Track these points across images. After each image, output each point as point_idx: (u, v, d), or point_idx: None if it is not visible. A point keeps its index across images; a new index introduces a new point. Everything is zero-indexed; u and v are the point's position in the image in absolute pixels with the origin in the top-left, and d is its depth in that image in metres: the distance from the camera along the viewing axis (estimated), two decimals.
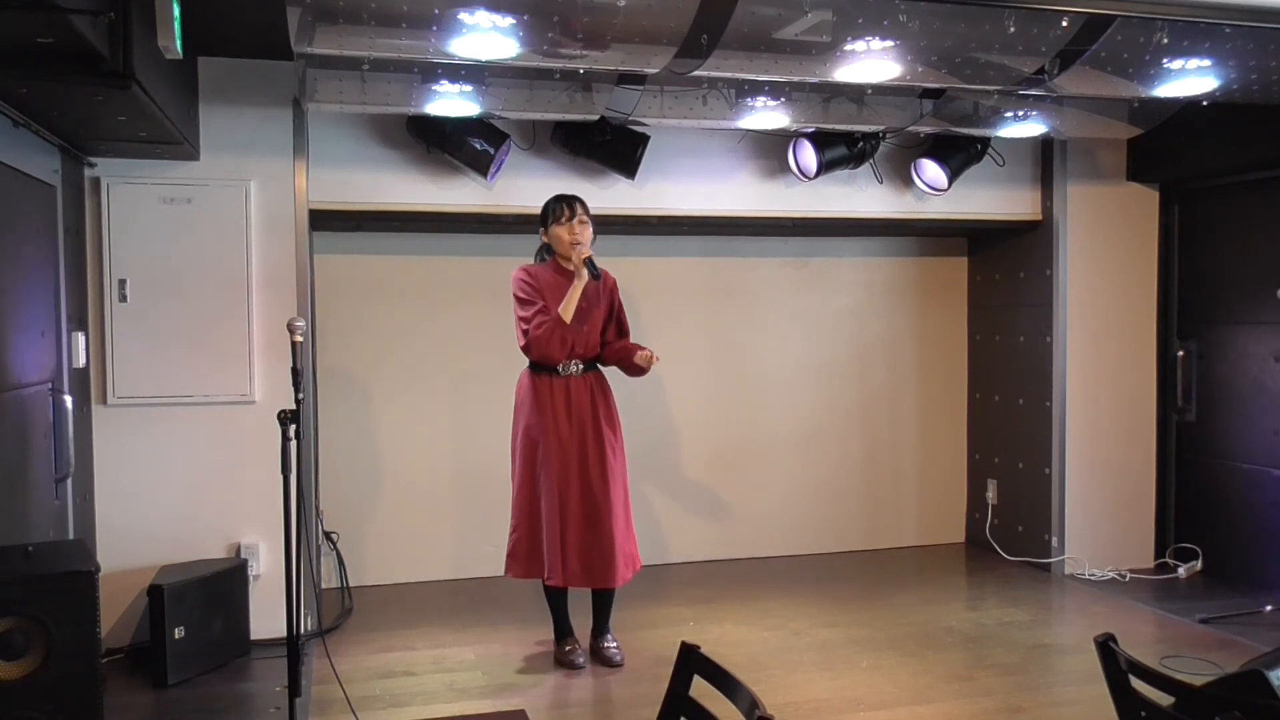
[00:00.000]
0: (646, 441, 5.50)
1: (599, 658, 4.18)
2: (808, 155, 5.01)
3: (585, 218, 4.12)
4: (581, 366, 4.14)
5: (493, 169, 4.61)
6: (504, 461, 4.30)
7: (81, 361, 4.09)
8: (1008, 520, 5.80)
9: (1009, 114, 4.72)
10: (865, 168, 5.19)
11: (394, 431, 5.30)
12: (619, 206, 4.89)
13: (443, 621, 4.69)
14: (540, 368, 4.13)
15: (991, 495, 5.89)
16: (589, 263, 4.02)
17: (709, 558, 5.72)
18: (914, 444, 6.08)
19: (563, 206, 4.11)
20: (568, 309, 4.04)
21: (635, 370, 4.18)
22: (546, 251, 4.21)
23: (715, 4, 3.14)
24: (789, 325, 5.85)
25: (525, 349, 4.10)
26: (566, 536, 4.05)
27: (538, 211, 4.23)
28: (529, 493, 4.14)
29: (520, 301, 4.11)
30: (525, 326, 4.07)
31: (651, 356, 4.09)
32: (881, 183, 5.27)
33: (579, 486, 4.06)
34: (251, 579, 4.33)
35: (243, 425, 4.32)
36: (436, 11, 3.11)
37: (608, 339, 4.24)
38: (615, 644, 4.22)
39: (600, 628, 4.25)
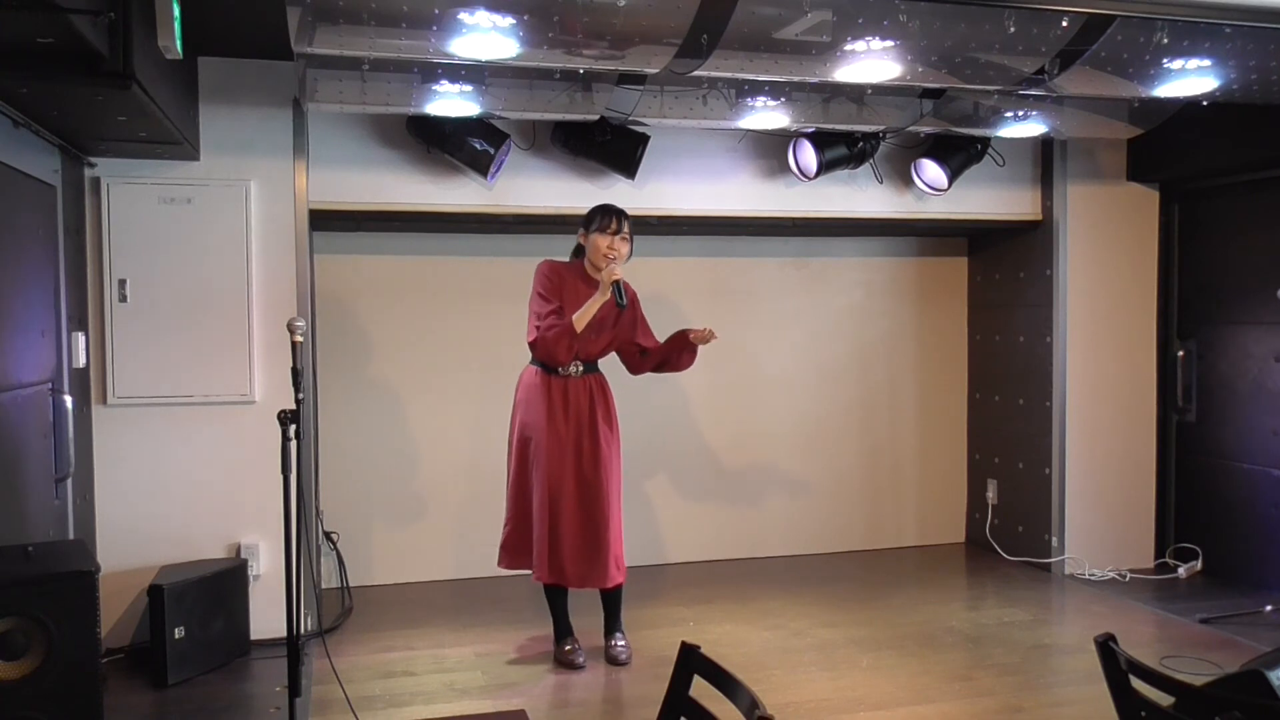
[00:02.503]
0: (647, 441, 5.50)
1: (607, 655, 4.19)
2: (808, 155, 5.01)
3: (627, 235, 4.11)
4: (582, 368, 4.14)
5: (493, 169, 4.61)
6: (505, 461, 4.29)
7: (81, 361, 4.09)
8: (1008, 520, 5.80)
9: (1009, 114, 4.71)
10: (865, 168, 5.19)
11: (394, 431, 5.29)
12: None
13: (443, 621, 4.69)
14: (542, 365, 4.13)
15: (991, 495, 5.88)
16: (616, 287, 3.96)
17: (709, 558, 5.73)
18: (914, 444, 6.08)
19: (611, 218, 4.09)
20: (582, 319, 4.00)
21: (688, 358, 4.18)
22: (579, 253, 4.21)
23: (715, 4, 3.14)
24: (789, 325, 5.85)
25: (532, 345, 4.10)
26: (559, 535, 4.06)
27: (538, 211, 4.25)
28: (521, 488, 4.15)
29: (539, 296, 4.10)
30: (537, 323, 4.07)
31: (706, 333, 4.08)
32: (881, 183, 5.27)
33: (574, 486, 4.07)
34: (251, 579, 4.34)
35: (243, 425, 4.32)
36: (436, 11, 3.11)
37: (648, 347, 4.23)
38: (624, 642, 4.22)
39: (610, 626, 4.26)
